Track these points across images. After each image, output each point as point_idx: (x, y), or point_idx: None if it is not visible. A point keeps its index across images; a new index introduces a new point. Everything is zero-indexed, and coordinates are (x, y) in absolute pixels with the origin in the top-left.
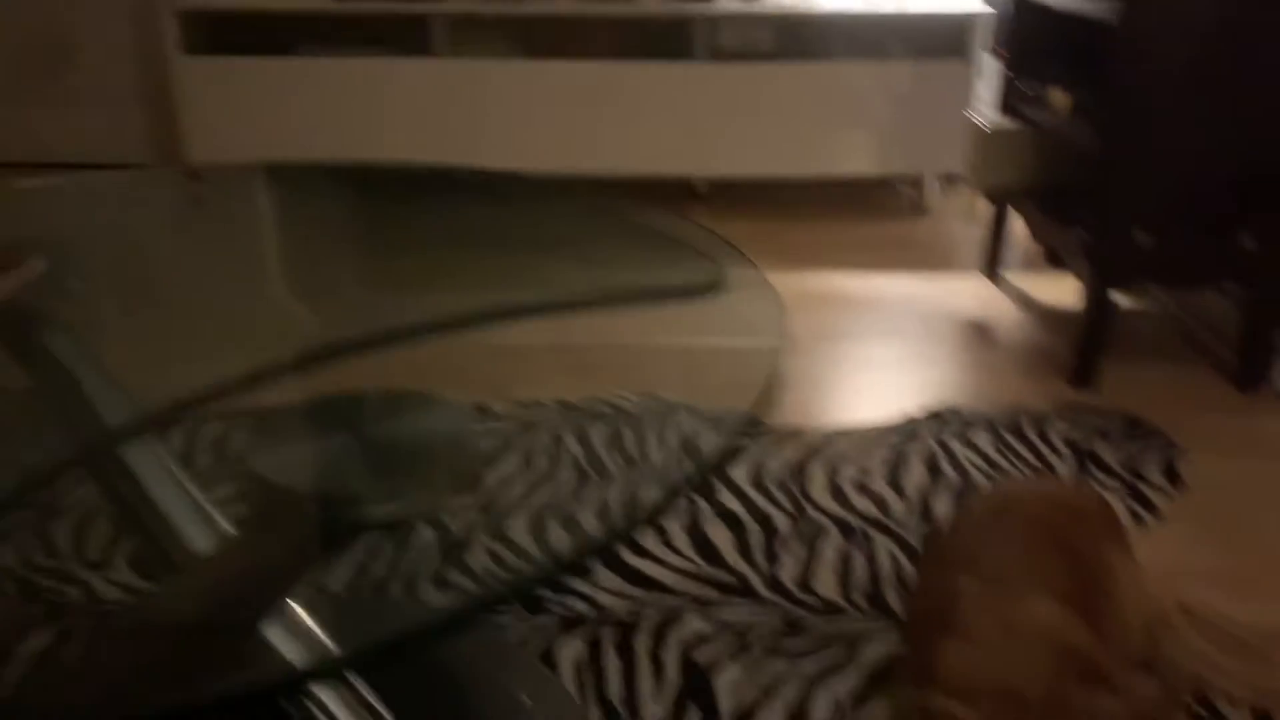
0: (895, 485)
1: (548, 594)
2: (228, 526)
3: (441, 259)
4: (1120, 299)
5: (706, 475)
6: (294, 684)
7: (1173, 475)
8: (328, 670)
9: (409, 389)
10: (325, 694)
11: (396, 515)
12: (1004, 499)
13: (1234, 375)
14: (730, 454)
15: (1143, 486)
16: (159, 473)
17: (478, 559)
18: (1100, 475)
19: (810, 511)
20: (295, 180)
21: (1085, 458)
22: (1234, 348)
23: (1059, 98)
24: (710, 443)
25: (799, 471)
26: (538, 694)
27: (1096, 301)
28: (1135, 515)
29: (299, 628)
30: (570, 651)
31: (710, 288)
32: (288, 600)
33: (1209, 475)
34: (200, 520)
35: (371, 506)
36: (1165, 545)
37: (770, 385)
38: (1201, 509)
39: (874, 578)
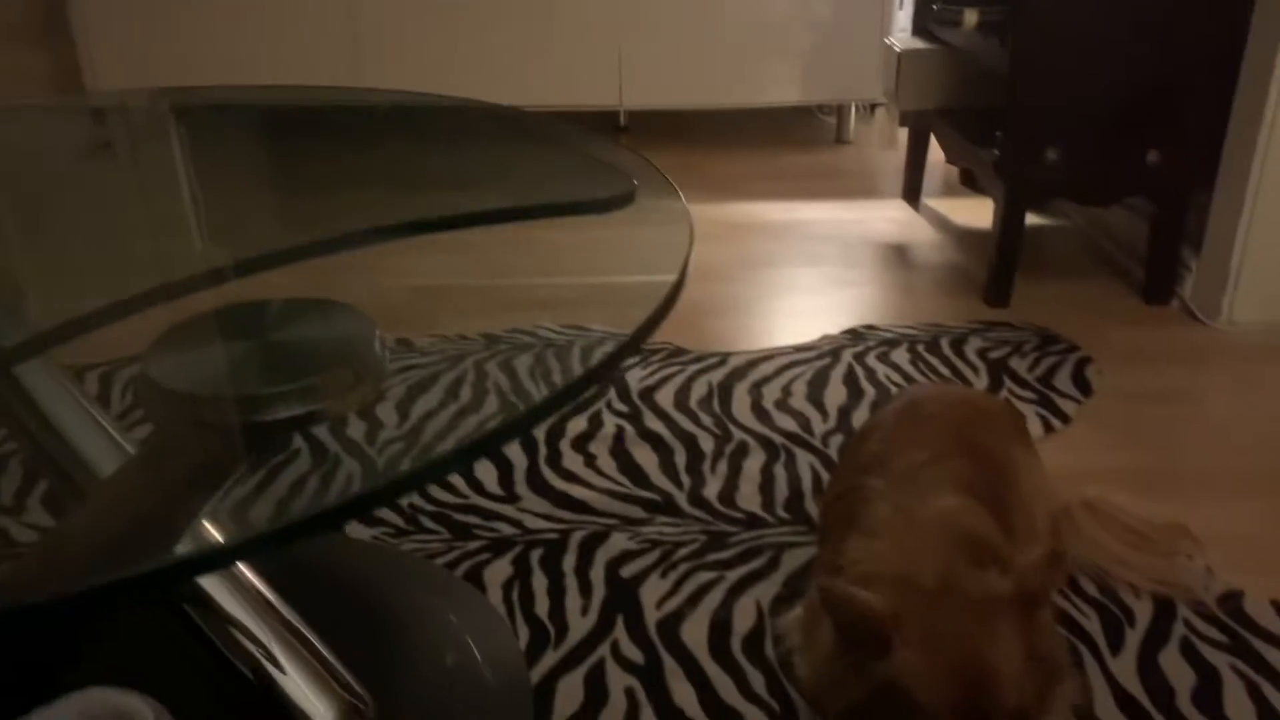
0: (817, 403)
1: (476, 520)
2: (129, 446)
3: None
4: (1033, 218)
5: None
6: (182, 571)
7: (1082, 384)
8: (217, 558)
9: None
10: (251, 620)
11: (299, 415)
12: (913, 403)
13: (1142, 289)
14: (600, 374)
15: (1053, 395)
16: (57, 393)
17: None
18: (1014, 386)
19: (734, 431)
20: (200, 115)
21: (999, 370)
22: (1142, 263)
23: (971, 17)
24: (635, 375)
25: (723, 393)
26: (465, 613)
27: (1009, 220)
28: (1046, 422)
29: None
30: (498, 573)
31: (623, 201)
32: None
33: (1117, 383)
34: (105, 442)
35: (273, 407)
36: (1074, 448)
37: (675, 295)
38: (1109, 415)
39: (795, 491)
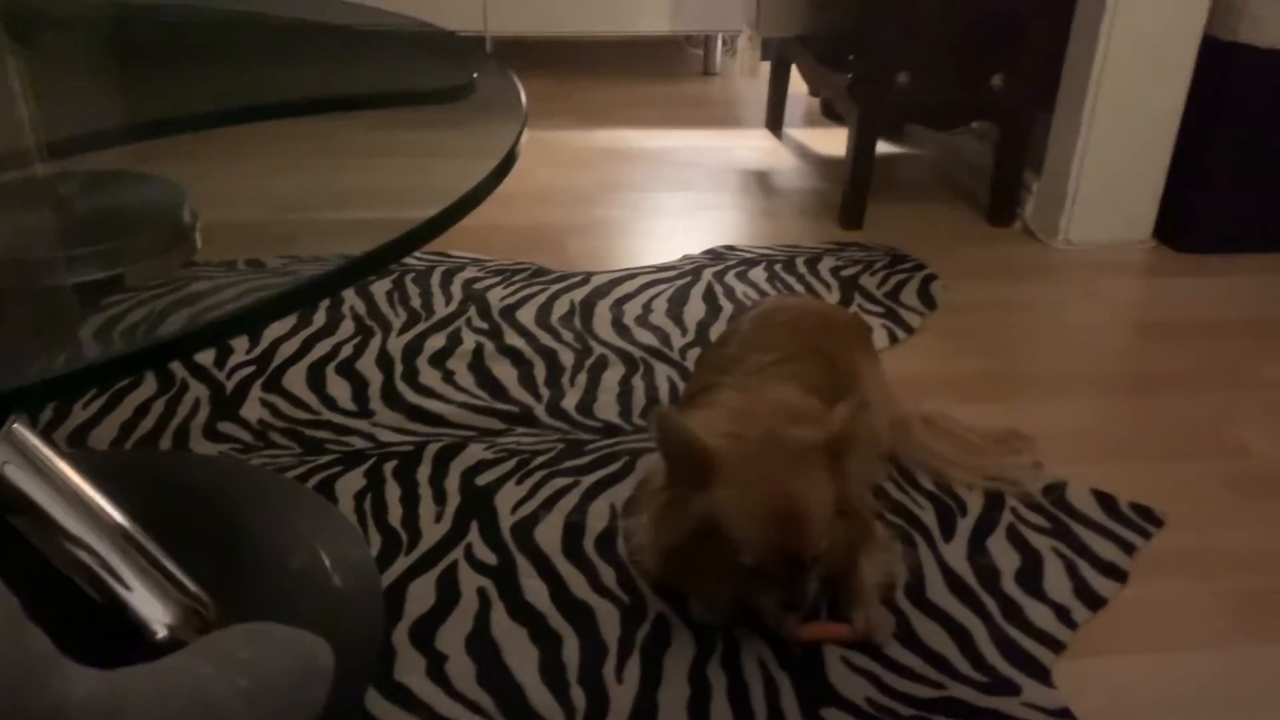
0: (676, 319)
1: (328, 435)
2: None
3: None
4: (888, 146)
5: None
6: None
7: (927, 299)
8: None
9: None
10: (82, 530)
11: (100, 280)
12: (767, 311)
13: (987, 212)
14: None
15: (900, 309)
16: None
17: (252, 410)
18: (863, 301)
19: (594, 346)
20: (33, 18)
21: (850, 287)
22: (989, 187)
23: None
24: (497, 295)
25: (585, 310)
26: (313, 521)
27: (861, 142)
28: (892, 334)
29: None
30: (349, 484)
31: (463, 92)
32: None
33: (961, 299)
34: None
35: (77, 270)
36: (917, 357)
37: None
38: (951, 326)
39: (653, 400)
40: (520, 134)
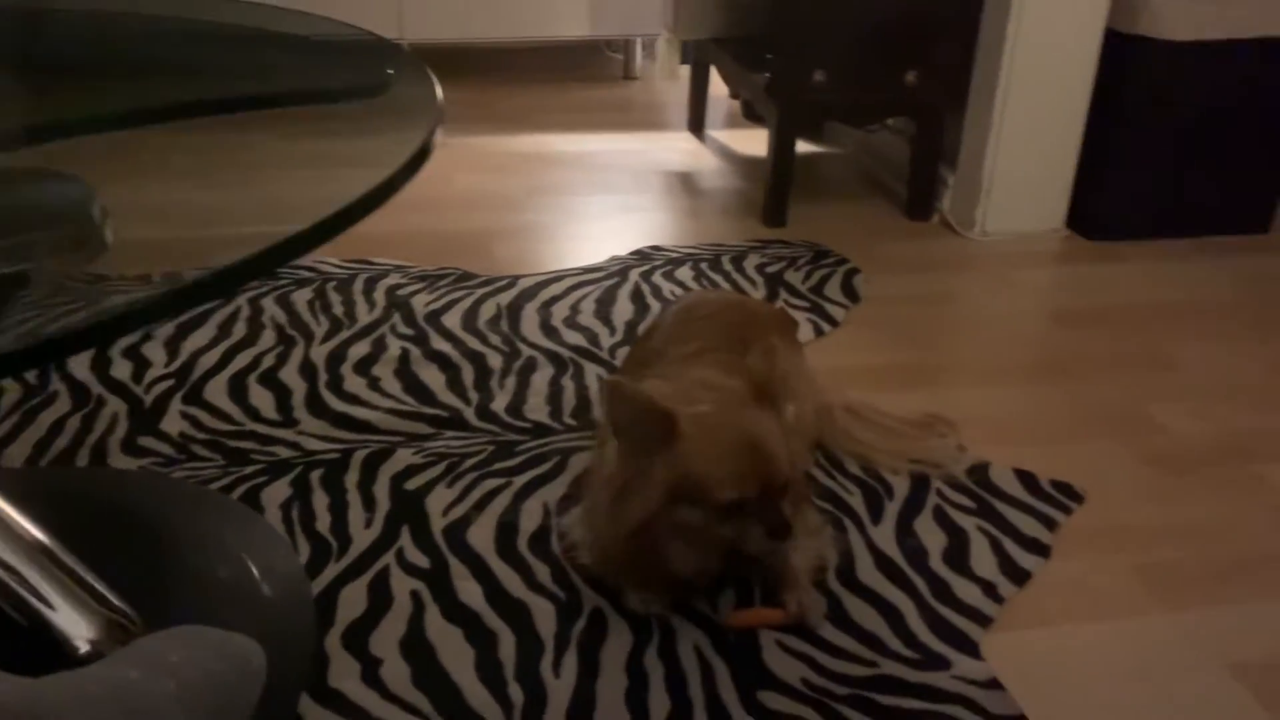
0: (604, 319)
1: (252, 445)
2: None
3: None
4: (810, 146)
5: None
6: None
7: (850, 292)
8: None
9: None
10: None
11: (6, 274)
12: (691, 305)
13: (906, 206)
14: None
15: (824, 303)
16: None
17: (173, 424)
18: (788, 296)
19: (523, 348)
20: None
21: (775, 283)
22: (906, 182)
23: None
24: (421, 300)
25: (512, 314)
26: (240, 532)
27: (782, 141)
28: (817, 327)
29: None
30: (276, 494)
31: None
32: None
33: (883, 291)
34: None
35: None
36: (842, 349)
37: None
38: (874, 318)
39: (583, 400)
40: (434, 131)
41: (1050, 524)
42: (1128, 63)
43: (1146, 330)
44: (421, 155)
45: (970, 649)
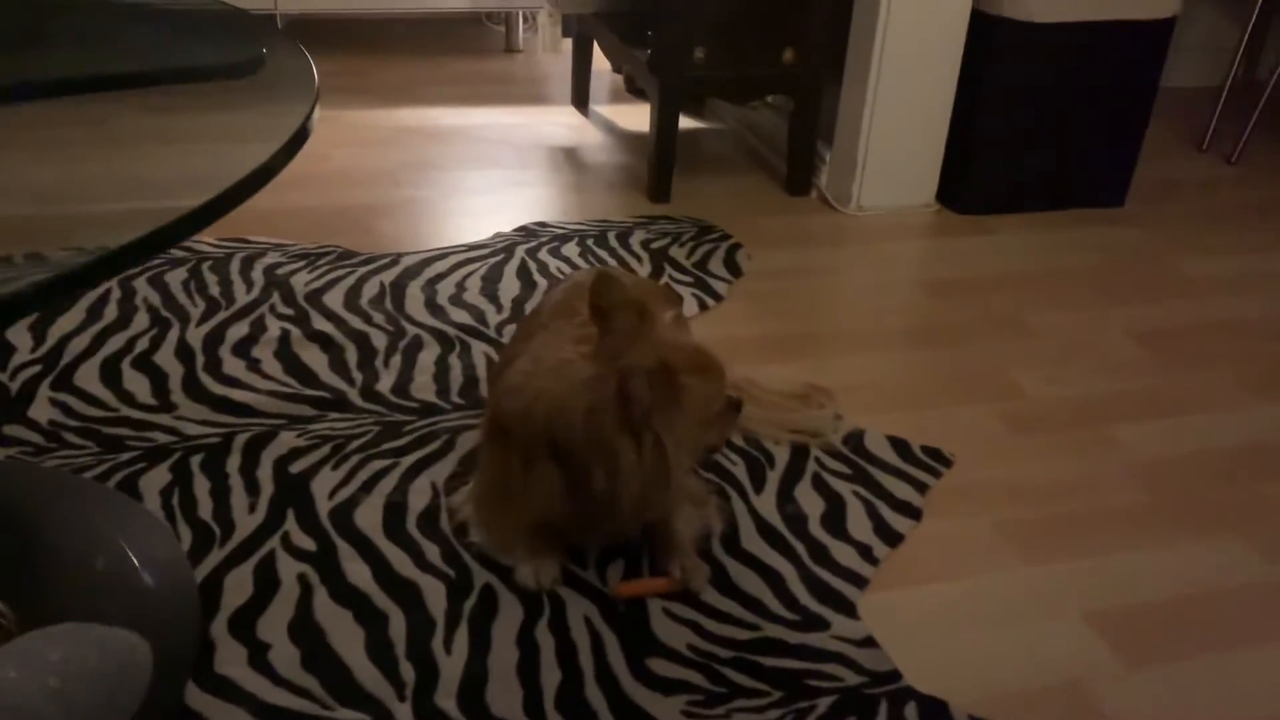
0: (491, 296)
1: (127, 432)
2: None
3: None
4: (692, 122)
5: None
6: None
7: (733, 267)
8: None
9: None
10: None
11: None
12: (577, 284)
13: (785, 182)
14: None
15: (708, 278)
16: None
17: (42, 411)
18: (673, 272)
19: (408, 327)
20: None
21: (660, 258)
22: (785, 158)
23: None
24: (301, 280)
25: (396, 292)
26: (117, 520)
27: (664, 116)
28: (701, 301)
29: None
30: (155, 481)
31: (251, 68)
32: None
33: (763, 265)
34: None
35: None
36: (725, 322)
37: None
38: (756, 292)
39: (470, 379)
40: (312, 110)
41: (921, 487)
42: (992, 43)
43: (1009, 299)
44: (301, 135)
45: (848, 609)
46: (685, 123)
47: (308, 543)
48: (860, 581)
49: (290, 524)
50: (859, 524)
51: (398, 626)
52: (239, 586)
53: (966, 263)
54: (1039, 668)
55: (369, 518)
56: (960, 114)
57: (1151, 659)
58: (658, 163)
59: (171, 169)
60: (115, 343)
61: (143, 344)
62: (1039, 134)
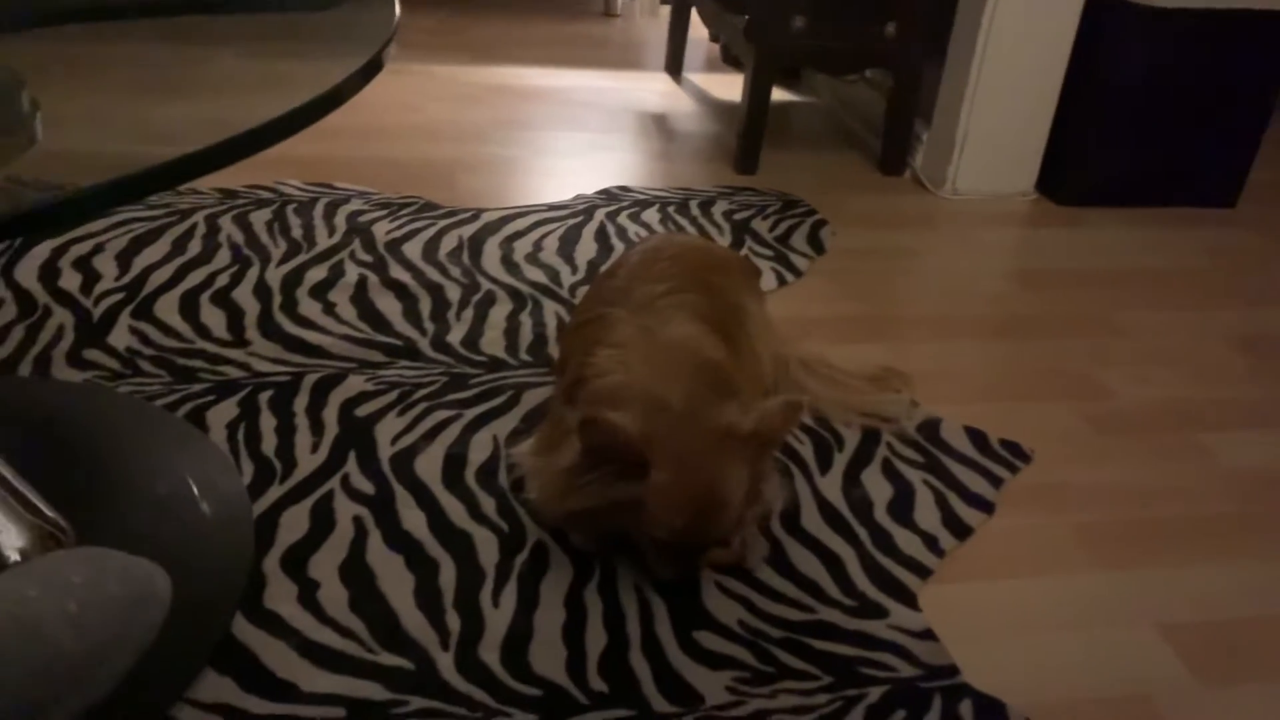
0: (567, 257)
1: (201, 364)
2: None
3: None
4: (786, 94)
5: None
6: None
7: (816, 244)
8: None
9: None
10: None
11: None
12: (656, 247)
13: (879, 161)
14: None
15: (789, 253)
16: None
17: (120, 338)
18: (754, 245)
19: (482, 281)
20: None
21: (742, 230)
22: (880, 136)
23: None
24: (382, 228)
25: (474, 246)
26: (181, 449)
27: (757, 85)
28: (780, 276)
29: None
30: (222, 414)
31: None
32: None
33: (849, 244)
34: None
35: None
36: (803, 299)
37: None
38: (838, 271)
39: (540, 337)
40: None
41: (996, 481)
42: (1108, 26)
43: (1104, 295)
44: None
45: (908, 599)
46: (778, 95)
47: (367, 486)
48: (923, 572)
49: (351, 466)
50: (927, 513)
51: (448, 576)
52: (295, 524)
53: (1061, 255)
54: (1106, 677)
55: (429, 466)
56: (1067, 100)
57: (1229, 679)
58: (747, 132)
59: (241, 103)
60: (196, 277)
61: (223, 280)
62: (1150, 126)
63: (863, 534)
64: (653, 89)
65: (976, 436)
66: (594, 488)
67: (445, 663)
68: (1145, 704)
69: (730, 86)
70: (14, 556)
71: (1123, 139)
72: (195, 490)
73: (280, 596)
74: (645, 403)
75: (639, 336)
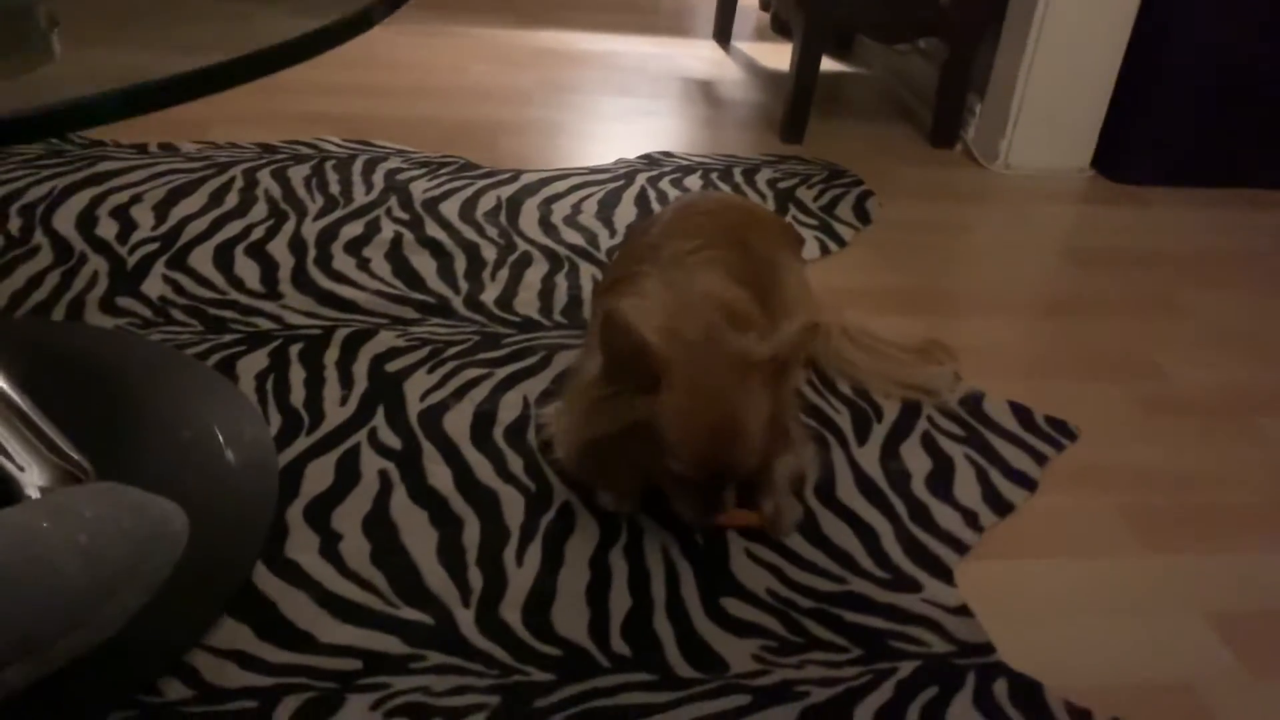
0: (605, 220)
1: (233, 315)
2: None
3: None
4: (836, 65)
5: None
6: None
7: (862, 214)
8: None
9: None
10: None
11: None
12: (690, 203)
13: (929, 133)
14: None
15: (834, 223)
16: None
17: (154, 287)
18: (798, 213)
19: (519, 242)
20: None
21: (786, 198)
22: (931, 108)
23: None
24: (420, 186)
25: (512, 207)
26: (208, 397)
27: (807, 51)
28: (824, 245)
29: None
30: (252, 364)
31: None
32: None
33: (896, 216)
34: None
35: None
36: (847, 269)
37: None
38: (883, 242)
39: (575, 299)
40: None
41: (1040, 459)
42: (1172, 1)
43: (1161, 276)
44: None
45: (944, 574)
46: (829, 66)
47: (394, 440)
48: (961, 547)
49: (379, 420)
50: (967, 488)
51: (472, 533)
52: (320, 475)
53: (1118, 234)
54: (1150, 663)
55: (457, 423)
56: (1127, 75)
57: (1278, 670)
58: (794, 100)
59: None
60: (232, 229)
61: (258, 233)
62: (1216, 102)
63: (899, 506)
64: (700, 56)
65: (1021, 412)
66: (612, 407)
67: (465, 619)
68: (1189, 693)
69: (779, 55)
70: (35, 495)
71: (1185, 116)
72: (220, 438)
73: (302, 547)
74: (663, 331)
75: (663, 289)
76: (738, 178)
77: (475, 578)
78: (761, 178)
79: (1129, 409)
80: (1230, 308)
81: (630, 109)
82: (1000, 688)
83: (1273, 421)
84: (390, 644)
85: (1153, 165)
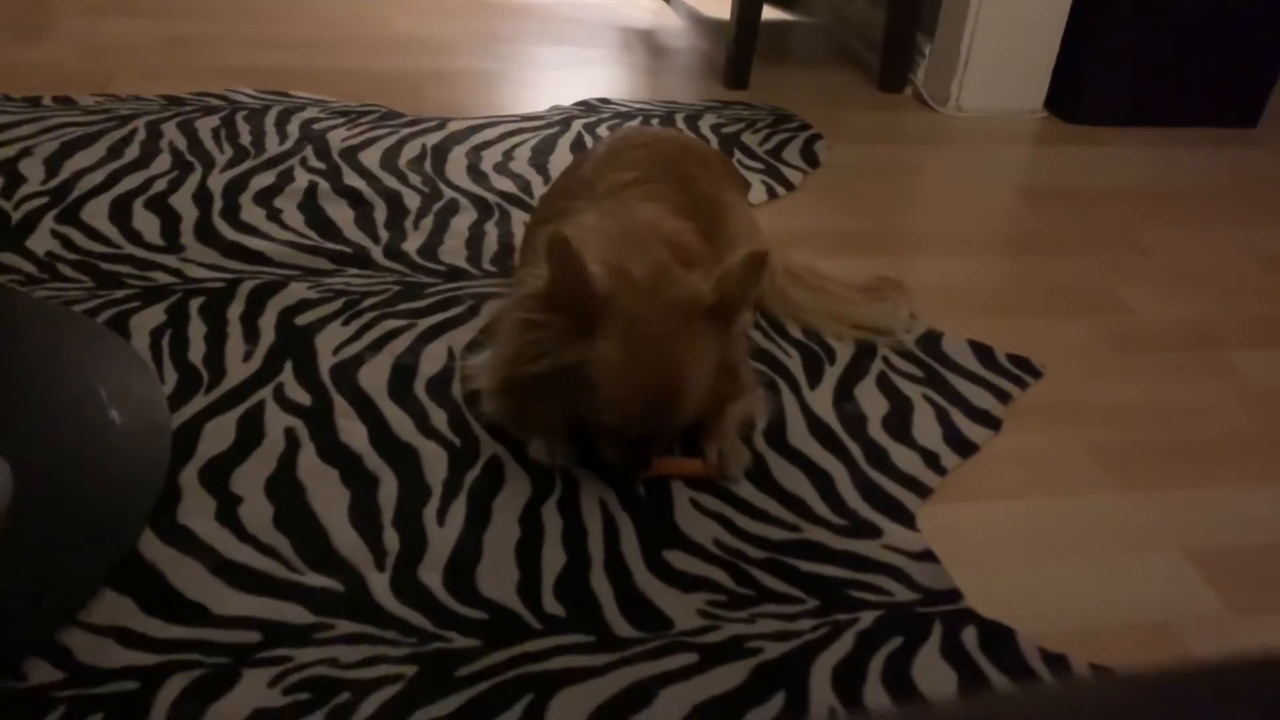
0: (539, 167)
1: (128, 269)
2: None
3: None
4: (781, 13)
5: None
6: None
7: (810, 158)
8: None
9: None
10: None
11: None
12: (624, 137)
13: (878, 78)
14: None
15: (781, 166)
16: None
17: (41, 242)
18: (743, 158)
19: (445, 190)
20: None
21: (731, 143)
22: (879, 53)
23: None
24: (338, 135)
25: (437, 155)
26: (96, 357)
27: None
28: (770, 189)
29: None
30: (147, 320)
31: None
32: None
33: (844, 159)
34: None
35: None
36: (795, 212)
37: None
38: (832, 185)
39: (506, 247)
40: None
41: (1003, 397)
42: None
43: (1119, 213)
44: None
45: (905, 519)
46: (774, 14)
47: (303, 397)
48: (922, 490)
49: (286, 376)
50: (927, 429)
51: (388, 492)
52: (219, 435)
53: (1075, 173)
54: (1127, 604)
55: (374, 377)
56: (1079, 13)
57: (1260, 606)
58: (737, 43)
59: None
60: (131, 181)
61: (160, 185)
62: (1168, 41)
63: (855, 450)
64: (641, 5)
65: (982, 351)
66: (544, 345)
67: (379, 584)
68: (1169, 632)
69: (722, 5)
70: None
71: (1139, 54)
72: (104, 396)
73: (196, 511)
74: (608, 269)
75: (601, 221)
76: (680, 123)
77: (391, 539)
78: (705, 123)
79: (1096, 345)
80: (1192, 244)
81: (567, 58)
82: (969, 636)
83: (1243, 355)
84: (293, 613)
85: (1106, 105)
